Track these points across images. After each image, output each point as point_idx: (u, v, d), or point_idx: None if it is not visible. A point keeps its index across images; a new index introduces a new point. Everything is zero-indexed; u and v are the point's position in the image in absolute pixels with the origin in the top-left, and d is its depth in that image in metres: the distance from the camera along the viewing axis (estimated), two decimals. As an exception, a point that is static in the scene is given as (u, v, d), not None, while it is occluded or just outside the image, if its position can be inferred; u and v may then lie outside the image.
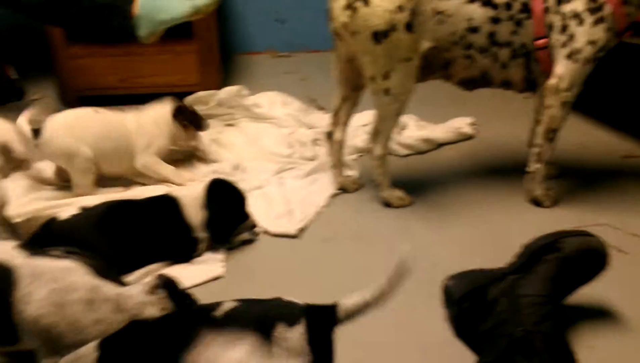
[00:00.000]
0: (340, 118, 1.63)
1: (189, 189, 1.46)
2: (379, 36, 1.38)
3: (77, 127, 1.63)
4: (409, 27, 1.39)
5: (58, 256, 0.98)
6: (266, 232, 1.52)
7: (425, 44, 1.44)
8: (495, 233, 1.52)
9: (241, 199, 1.44)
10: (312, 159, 1.90)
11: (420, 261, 1.41)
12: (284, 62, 3.06)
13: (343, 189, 1.70)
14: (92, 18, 1.91)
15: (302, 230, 1.53)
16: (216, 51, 2.36)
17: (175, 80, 2.23)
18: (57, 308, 0.91)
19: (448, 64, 1.50)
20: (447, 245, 1.47)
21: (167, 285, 1.00)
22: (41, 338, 0.91)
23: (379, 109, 1.50)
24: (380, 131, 1.52)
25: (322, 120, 2.19)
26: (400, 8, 1.37)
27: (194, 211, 1.38)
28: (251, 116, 2.19)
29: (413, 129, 2.00)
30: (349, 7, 1.38)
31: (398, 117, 1.52)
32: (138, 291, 0.98)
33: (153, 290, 0.98)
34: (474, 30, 1.44)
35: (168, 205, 1.38)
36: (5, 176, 1.27)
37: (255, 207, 1.58)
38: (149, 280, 1.00)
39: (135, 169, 1.70)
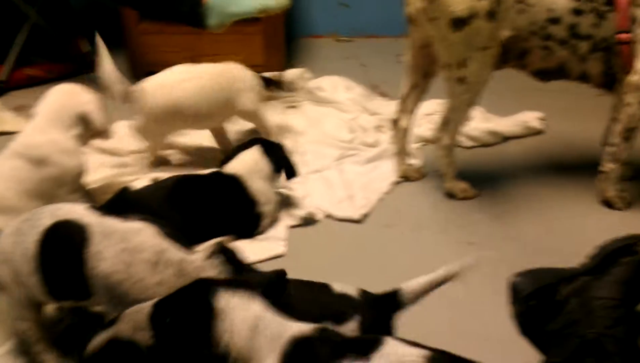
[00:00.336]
0: (408, 105, 1.61)
1: (243, 161, 1.43)
2: (458, 23, 1.35)
3: (177, 87, 1.63)
4: (491, 15, 1.35)
5: (128, 218, 1.01)
6: (329, 216, 1.52)
7: (505, 33, 1.40)
8: (563, 232, 1.47)
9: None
10: (373, 145, 1.88)
11: (485, 256, 1.39)
12: (346, 46, 3.04)
13: (405, 178, 1.68)
14: (164, 2, 1.96)
15: (365, 216, 1.52)
16: (282, 34, 2.37)
17: (240, 60, 2.24)
18: (126, 267, 0.94)
19: (525, 53, 1.46)
20: (511, 240, 1.44)
21: (224, 251, 1.02)
22: (109, 294, 0.95)
23: (451, 98, 1.47)
24: (450, 121, 1.50)
25: (385, 107, 2.18)
26: (482, -5, 1.34)
27: (257, 183, 1.40)
28: (314, 99, 2.19)
29: (479, 121, 1.95)
30: (429, -9, 1.36)
31: (470, 108, 1.49)
32: (198, 257, 1.00)
33: (211, 255, 1.00)
34: (554, 21, 1.39)
35: (232, 180, 1.40)
36: (84, 144, 1.32)
37: (316, 190, 1.60)
38: (207, 246, 1.02)
39: (224, 120, 1.70)
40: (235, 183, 1.39)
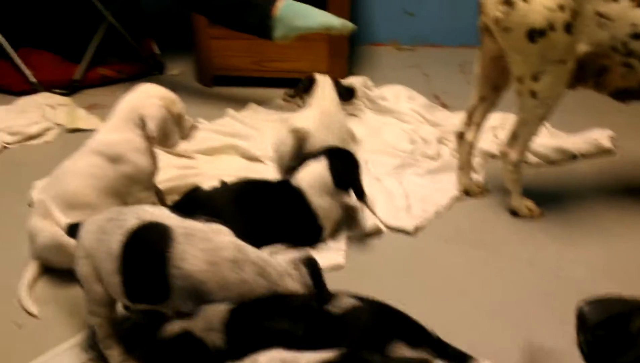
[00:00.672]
0: (475, 118, 1.58)
1: (309, 174, 1.42)
2: (534, 35, 1.31)
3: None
4: (568, 27, 1.31)
5: (205, 221, 1.04)
6: (385, 225, 1.51)
7: (583, 48, 1.35)
8: (632, 258, 1.41)
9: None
10: (434, 158, 1.86)
11: (547, 278, 1.35)
12: (407, 55, 3.02)
13: (467, 193, 1.65)
14: (234, 12, 2.02)
15: (419, 228, 1.50)
16: (346, 42, 2.37)
17: (304, 66, 2.27)
18: (209, 266, 0.96)
19: (603, 71, 1.40)
20: (577, 264, 1.39)
21: (310, 264, 1.03)
22: (191, 294, 0.97)
23: (522, 113, 1.43)
24: (519, 136, 1.46)
25: (447, 118, 2.15)
26: (561, 7, 1.29)
27: (319, 199, 1.40)
28: (376, 108, 2.19)
29: (546, 137, 1.89)
30: (506, 2, 1.32)
31: (541, 123, 1.44)
32: (282, 262, 1.02)
33: (297, 265, 1.02)
34: (638, 36, 1.33)
35: (296, 193, 1.40)
36: (152, 145, 1.33)
37: (375, 199, 1.59)
38: (294, 254, 1.04)
39: None
40: (298, 196, 1.39)
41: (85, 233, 1.04)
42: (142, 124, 1.28)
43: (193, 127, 1.37)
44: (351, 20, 2.41)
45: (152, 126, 1.26)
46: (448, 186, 1.69)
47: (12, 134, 1.88)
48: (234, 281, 0.95)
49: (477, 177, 1.72)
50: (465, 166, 1.63)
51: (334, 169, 1.40)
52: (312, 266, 1.02)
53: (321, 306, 0.92)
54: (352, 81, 2.28)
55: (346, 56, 2.42)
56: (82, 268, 1.03)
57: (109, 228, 1.01)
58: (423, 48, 3.13)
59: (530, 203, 1.55)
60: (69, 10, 2.56)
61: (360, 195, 1.42)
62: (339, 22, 1.99)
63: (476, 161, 1.77)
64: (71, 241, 1.10)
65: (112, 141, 1.27)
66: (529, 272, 1.36)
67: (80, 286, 1.06)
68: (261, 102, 2.23)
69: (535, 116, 1.42)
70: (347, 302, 0.93)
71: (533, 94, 1.39)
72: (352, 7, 2.45)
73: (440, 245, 1.47)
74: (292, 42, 2.05)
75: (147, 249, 0.99)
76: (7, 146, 1.86)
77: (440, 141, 1.94)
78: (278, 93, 2.25)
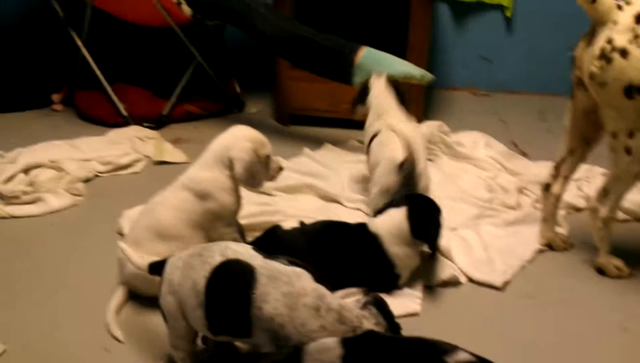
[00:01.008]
0: (562, 171, 1.53)
1: (387, 222, 1.40)
2: (632, 91, 1.27)
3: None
4: (668, 85, 1.26)
5: (286, 263, 1.06)
6: (468, 278, 1.47)
7: (681, 106, 1.29)
8: None
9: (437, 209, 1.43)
10: (514, 207, 1.81)
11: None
12: (484, 101, 2.98)
13: (550, 246, 1.59)
14: (317, 58, 2.09)
15: (507, 283, 1.45)
16: (424, 87, 2.38)
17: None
18: (289, 310, 0.97)
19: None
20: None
21: (378, 304, 1.04)
22: (270, 335, 0.98)
23: (615, 168, 1.38)
24: (611, 192, 1.40)
25: (527, 167, 2.09)
26: (661, 64, 1.25)
27: (396, 248, 1.38)
28: (452, 153, 2.16)
29: (635, 193, 1.80)
30: (603, 56, 1.30)
31: (635, 181, 1.38)
32: (356, 305, 1.03)
33: (365, 306, 1.03)
34: None
35: (373, 239, 1.39)
36: (239, 185, 1.37)
37: (453, 249, 1.55)
38: (361, 296, 1.05)
39: None
40: (375, 243, 1.38)
41: (171, 269, 1.07)
42: (230, 165, 1.32)
43: (279, 169, 1.41)
44: (428, 64, 2.43)
45: (239, 168, 1.31)
46: (529, 238, 1.64)
47: (104, 164, 1.99)
48: (313, 328, 0.97)
49: (562, 230, 1.65)
50: (549, 219, 1.58)
51: (413, 219, 1.37)
52: (380, 305, 1.03)
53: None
54: (427, 125, 2.28)
55: (422, 101, 2.43)
56: (168, 304, 1.06)
57: (195, 264, 1.04)
58: (500, 94, 3.09)
59: (618, 262, 1.47)
60: (161, 49, 2.73)
61: (434, 249, 1.40)
62: (418, 73, 2.02)
63: (559, 213, 1.71)
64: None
65: (201, 179, 1.32)
66: (622, 338, 1.28)
67: (165, 320, 1.09)
68: (336, 142, 2.26)
69: (629, 172, 1.36)
70: (463, 357, 0.91)
71: (628, 151, 1.33)
72: (430, 52, 2.47)
73: (522, 300, 1.41)
74: None
75: (230, 287, 1.01)
76: (98, 174, 1.97)
77: (520, 190, 1.88)
78: (353, 134, 2.28)
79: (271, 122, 2.51)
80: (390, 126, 1.71)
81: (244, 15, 2.12)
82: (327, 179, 1.94)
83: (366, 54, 2.02)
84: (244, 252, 1.06)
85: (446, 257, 1.53)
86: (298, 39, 2.10)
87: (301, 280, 1.01)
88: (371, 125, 1.78)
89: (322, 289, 1.01)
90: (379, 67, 1.97)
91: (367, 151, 1.77)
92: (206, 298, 1.01)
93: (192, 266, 1.04)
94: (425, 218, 1.39)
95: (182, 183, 1.33)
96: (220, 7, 2.18)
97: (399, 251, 1.37)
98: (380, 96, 1.81)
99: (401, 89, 1.87)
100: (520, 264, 1.52)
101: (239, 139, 1.34)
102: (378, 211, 1.43)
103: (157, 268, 1.11)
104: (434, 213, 1.41)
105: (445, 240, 1.58)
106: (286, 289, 0.99)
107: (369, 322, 1.00)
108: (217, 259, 1.03)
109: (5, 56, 2.85)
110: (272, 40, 2.12)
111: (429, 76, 2.05)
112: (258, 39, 2.16)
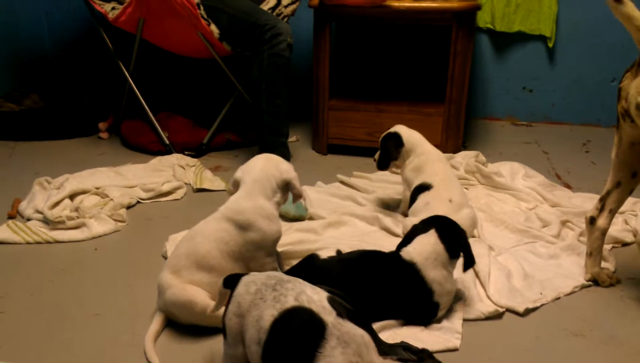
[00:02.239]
0: (608, 204, 1.48)
1: (420, 247, 1.38)
2: (679, 122, 1.23)
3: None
4: None
5: (357, 322, 1.00)
6: (495, 304, 1.43)
7: None
8: None
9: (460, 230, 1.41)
10: (555, 239, 1.75)
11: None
12: (524, 131, 2.94)
13: (595, 282, 1.53)
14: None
15: (529, 310, 1.43)
16: (463, 116, 2.37)
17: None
18: None
19: None
20: None
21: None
22: None
23: (665, 203, 1.32)
24: (661, 227, 1.34)
25: (568, 199, 2.04)
26: None
27: (433, 272, 1.35)
28: (490, 184, 2.13)
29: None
30: (651, 87, 1.26)
31: (687, 215, 1.32)
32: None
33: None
34: None
35: (409, 267, 1.37)
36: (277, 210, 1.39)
37: (488, 276, 1.52)
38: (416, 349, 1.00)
39: None
40: (411, 270, 1.36)
41: (244, 291, 1.06)
42: (284, 189, 1.37)
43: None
44: (468, 94, 2.42)
45: (298, 185, 1.37)
46: (571, 271, 1.59)
47: (146, 191, 2.04)
48: None
49: (608, 265, 1.59)
50: (594, 253, 1.52)
51: (446, 239, 1.36)
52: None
53: None
54: (464, 154, 2.25)
55: (461, 130, 2.41)
56: (232, 325, 1.05)
57: (267, 296, 1.02)
58: (541, 124, 3.04)
59: (670, 300, 1.41)
60: (203, 80, 2.81)
61: (471, 263, 1.38)
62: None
63: (605, 247, 1.65)
64: (199, 299, 1.15)
65: (244, 209, 1.33)
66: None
67: (224, 337, 1.09)
68: (372, 171, 2.26)
69: (680, 205, 1.30)
70: None
71: (677, 183, 1.28)
72: (470, 81, 2.46)
73: (567, 337, 1.36)
74: (408, 108, 2.13)
75: (297, 338, 0.97)
76: (140, 201, 2.02)
77: (564, 223, 1.83)
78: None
79: (309, 151, 2.54)
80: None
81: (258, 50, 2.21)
82: (364, 205, 1.96)
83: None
84: (318, 302, 1.01)
85: (481, 284, 1.50)
86: (261, 110, 2.22)
87: (370, 352, 0.96)
88: (416, 171, 1.81)
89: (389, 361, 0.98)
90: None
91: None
92: (268, 339, 0.98)
93: (263, 297, 1.02)
94: (456, 236, 1.38)
95: (223, 213, 1.34)
96: (247, 40, 2.27)
97: (436, 275, 1.35)
98: (416, 137, 1.85)
99: None
100: (555, 296, 1.48)
101: (279, 163, 1.39)
102: (404, 241, 1.41)
103: (230, 282, 1.10)
104: (461, 232, 1.40)
105: (485, 264, 1.56)
106: (355, 359, 0.93)
107: None
108: (290, 302, 1.00)
109: (55, 84, 2.98)
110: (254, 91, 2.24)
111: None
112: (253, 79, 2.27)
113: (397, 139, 1.84)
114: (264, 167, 1.36)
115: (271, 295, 1.02)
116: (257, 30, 2.18)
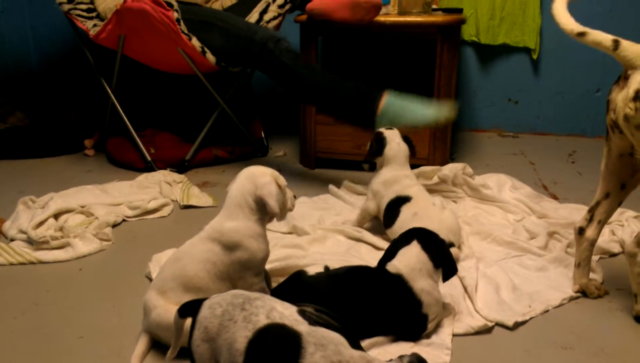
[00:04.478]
0: (597, 215, 1.48)
1: (405, 259, 1.38)
2: (669, 132, 1.24)
3: None
4: None
5: (329, 326, 1.01)
6: (483, 317, 1.43)
7: None
8: None
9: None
10: (542, 251, 1.76)
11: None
12: (510, 142, 2.96)
13: (583, 293, 1.53)
14: (345, 106, 2.11)
15: (519, 324, 1.42)
16: (450, 128, 2.38)
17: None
18: None
19: None
20: None
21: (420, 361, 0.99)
22: None
23: (654, 213, 1.33)
24: (650, 237, 1.35)
25: (555, 210, 2.05)
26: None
27: (421, 283, 1.35)
28: (476, 196, 2.14)
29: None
30: (637, 98, 1.27)
31: (674, 226, 1.33)
32: None
33: None
34: None
35: (397, 279, 1.36)
36: (264, 226, 1.36)
37: (475, 289, 1.52)
38: (403, 357, 0.99)
39: None
40: (399, 282, 1.35)
41: (209, 315, 1.03)
42: (260, 206, 1.29)
43: (294, 197, 1.39)
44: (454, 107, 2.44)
45: (273, 203, 1.27)
46: (559, 283, 1.59)
47: (132, 208, 2.03)
48: None
49: (596, 276, 1.60)
50: (583, 264, 1.53)
51: (428, 249, 1.37)
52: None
53: None
54: (451, 166, 2.26)
55: (448, 142, 2.42)
56: (201, 351, 1.02)
57: (237, 319, 0.99)
58: (527, 135, 3.07)
59: (659, 310, 1.41)
60: (188, 96, 2.80)
61: (453, 272, 1.38)
62: (442, 116, 2.03)
63: (592, 259, 1.66)
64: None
65: (228, 229, 1.29)
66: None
67: None
68: (358, 183, 2.26)
69: (667, 216, 1.31)
70: None
71: (664, 195, 1.29)
72: (456, 93, 2.48)
73: (557, 350, 1.35)
74: None
75: (275, 354, 0.96)
76: (126, 219, 1.99)
77: (551, 235, 1.84)
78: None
79: (297, 165, 2.54)
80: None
81: (266, 62, 2.17)
82: (348, 213, 1.97)
83: (388, 103, 2.04)
84: (290, 317, 1.00)
85: (469, 295, 1.50)
86: (321, 86, 2.13)
87: (348, 349, 0.96)
88: (387, 185, 1.82)
89: (369, 355, 0.97)
90: (402, 119, 2.00)
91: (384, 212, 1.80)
92: (245, 361, 0.96)
93: (233, 319, 1.00)
94: (438, 245, 1.38)
95: (208, 233, 1.31)
96: (242, 55, 2.24)
97: (424, 285, 1.34)
98: (397, 151, 1.85)
99: (412, 143, 1.91)
100: (544, 308, 1.48)
101: (257, 177, 1.30)
102: (386, 256, 1.40)
103: (188, 310, 1.07)
104: (442, 241, 1.41)
105: (472, 278, 1.56)
106: (335, 358, 0.93)
107: None
108: (262, 321, 0.98)
109: (41, 100, 2.96)
110: (296, 87, 2.16)
111: (452, 114, 2.04)
112: (283, 85, 2.21)
113: (380, 143, 1.87)
114: (241, 184, 1.31)
115: (241, 315, 1.00)
116: (255, 47, 2.16)
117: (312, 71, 2.15)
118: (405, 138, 1.90)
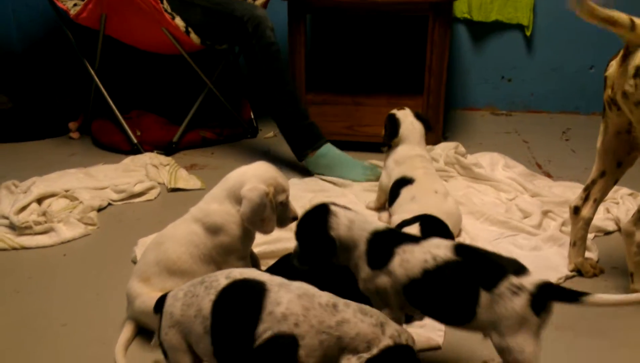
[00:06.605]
0: (593, 194, 1.46)
1: None
2: (668, 109, 1.20)
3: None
4: None
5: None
6: None
7: None
8: None
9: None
10: (536, 230, 1.73)
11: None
12: (504, 120, 2.93)
13: (579, 272, 1.51)
14: (289, 127, 2.18)
15: None
16: (442, 108, 2.34)
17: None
18: (304, 310, 0.93)
19: None
20: None
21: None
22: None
23: (650, 191, 1.30)
24: (647, 215, 1.32)
25: (549, 188, 2.02)
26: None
27: None
28: (469, 175, 2.10)
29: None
30: (637, 75, 1.23)
31: (672, 203, 1.30)
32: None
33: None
34: None
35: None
36: (268, 232, 1.30)
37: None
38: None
39: None
40: None
41: (171, 301, 1.02)
42: (239, 201, 1.24)
43: (292, 220, 1.31)
44: (447, 84, 2.39)
45: (245, 208, 1.23)
46: (555, 262, 1.56)
47: (118, 192, 1.98)
48: (331, 323, 0.93)
49: (591, 255, 1.57)
50: (578, 243, 1.50)
51: (425, 231, 1.36)
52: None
53: None
54: (443, 145, 2.22)
55: (440, 121, 2.38)
56: (170, 339, 1.01)
57: (198, 291, 1.00)
58: (521, 113, 3.03)
59: (655, 288, 1.38)
60: (174, 77, 2.73)
61: None
62: (362, 179, 2.07)
63: (588, 237, 1.63)
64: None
65: (212, 211, 1.26)
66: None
67: (166, 357, 1.04)
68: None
69: (665, 194, 1.28)
70: None
71: (662, 171, 1.26)
72: (448, 72, 2.43)
73: (552, 330, 1.32)
74: (386, 101, 2.13)
75: (240, 299, 0.97)
76: (112, 203, 1.95)
77: (545, 213, 1.81)
78: (368, 156, 2.24)
79: (287, 146, 2.48)
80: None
81: (243, 41, 2.14)
82: (341, 198, 1.91)
83: (322, 153, 2.11)
84: (250, 272, 1.02)
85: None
86: (279, 93, 2.14)
87: (311, 287, 0.99)
88: (397, 163, 1.79)
89: (337, 297, 0.99)
90: (329, 170, 2.09)
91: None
92: (213, 320, 0.96)
93: (194, 293, 1.00)
94: (442, 229, 1.39)
95: (193, 215, 1.28)
96: (224, 31, 2.20)
97: None
98: (411, 130, 1.83)
99: (428, 120, 1.88)
100: (541, 288, 1.45)
101: (255, 178, 1.25)
102: None
103: (159, 304, 1.05)
104: (444, 225, 1.40)
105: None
106: (300, 291, 0.96)
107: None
108: (223, 282, 0.99)
109: (24, 83, 2.89)
110: (258, 77, 2.16)
111: (377, 172, 2.03)
112: (249, 71, 2.20)
113: (393, 124, 1.83)
114: (241, 173, 1.27)
115: (201, 288, 1.00)
116: (235, 23, 2.11)
117: (279, 73, 2.12)
118: (419, 116, 1.86)
